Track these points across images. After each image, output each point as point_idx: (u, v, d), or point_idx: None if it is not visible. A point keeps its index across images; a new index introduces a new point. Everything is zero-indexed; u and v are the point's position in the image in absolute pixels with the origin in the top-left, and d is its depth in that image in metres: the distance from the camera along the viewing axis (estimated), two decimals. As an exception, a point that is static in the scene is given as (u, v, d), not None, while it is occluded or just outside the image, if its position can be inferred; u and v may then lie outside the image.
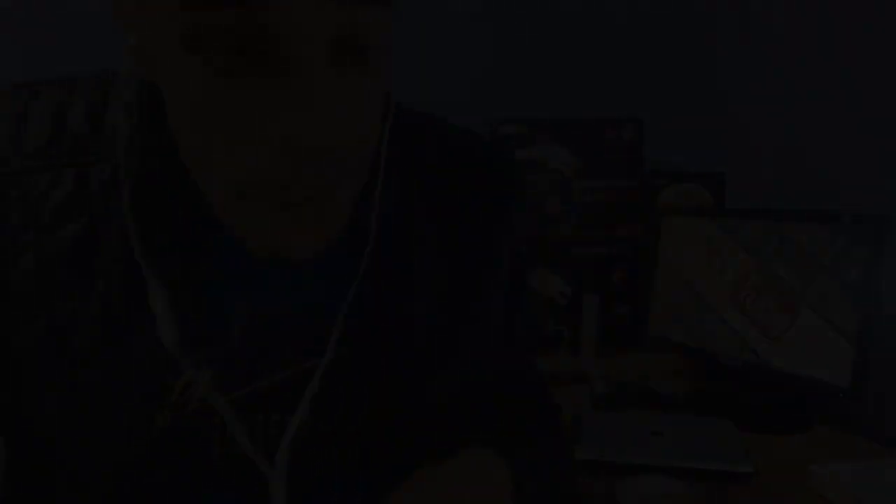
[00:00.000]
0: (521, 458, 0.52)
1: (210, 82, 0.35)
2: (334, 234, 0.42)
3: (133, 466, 0.45)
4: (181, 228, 0.45)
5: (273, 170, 0.36)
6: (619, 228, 1.47)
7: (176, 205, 0.44)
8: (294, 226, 0.39)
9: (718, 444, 0.96)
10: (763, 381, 1.13)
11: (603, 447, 0.94)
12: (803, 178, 1.35)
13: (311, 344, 0.48)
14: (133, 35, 0.40)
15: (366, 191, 0.47)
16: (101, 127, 0.46)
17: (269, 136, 0.36)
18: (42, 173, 0.44)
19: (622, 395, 1.16)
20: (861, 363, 0.99)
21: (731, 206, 1.43)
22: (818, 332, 1.05)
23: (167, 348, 0.44)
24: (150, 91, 0.44)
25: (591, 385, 1.20)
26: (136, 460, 0.45)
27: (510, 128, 1.44)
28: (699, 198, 1.45)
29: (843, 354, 1.01)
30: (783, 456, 0.95)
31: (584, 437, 0.98)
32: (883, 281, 1.00)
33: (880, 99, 1.23)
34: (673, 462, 0.91)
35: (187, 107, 0.37)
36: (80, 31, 1.16)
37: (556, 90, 1.51)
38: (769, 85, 1.45)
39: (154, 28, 0.36)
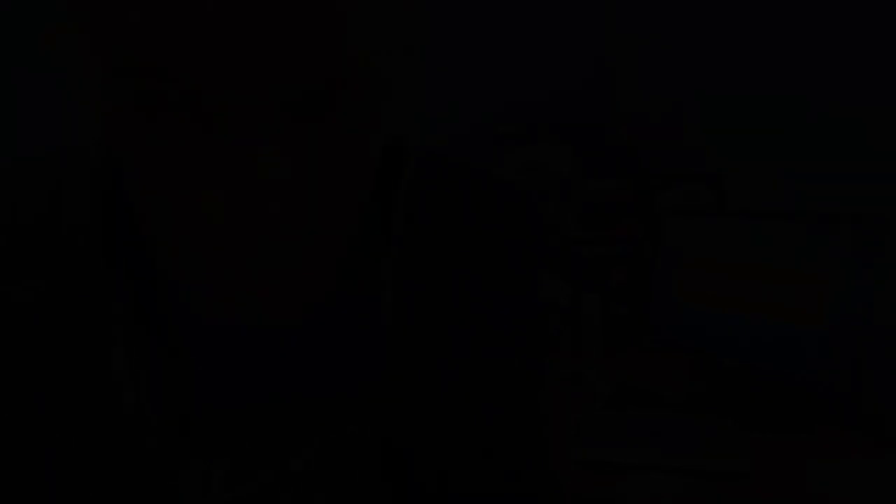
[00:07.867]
0: None
1: (149, 133, 0.31)
2: (319, 297, 0.37)
3: None
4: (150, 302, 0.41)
5: (227, 232, 0.31)
6: (619, 228, 1.47)
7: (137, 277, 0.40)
8: (261, 288, 0.34)
9: (718, 443, 0.96)
10: (763, 381, 1.13)
11: (603, 447, 0.95)
12: (803, 178, 1.35)
13: (316, 419, 0.42)
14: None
15: (376, 246, 0.43)
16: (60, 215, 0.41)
17: (216, 200, 0.31)
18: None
19: (622, 395, 1.16)
20: (861, 363, 0.99)
21: (731, 206, 1.43)
22: (818, 332, 1.05)
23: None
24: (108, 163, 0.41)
25: (591, 385, 1.20)
26: None
27: (510, 128, 1.44)
28: (699, 198, 1.45)
29: (842, 354, 1.01)
30: (783, 456, 0.96)
31: (584, 437, 0.98)
32: (882, 281, 1.00)
33: (880, 99, 1.23)
34: (673, 462, 0.91)
35: (139, 160, 0.32)
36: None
37: (556, 90, 1.51)
38: (769, 84, 1.45)
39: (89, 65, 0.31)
